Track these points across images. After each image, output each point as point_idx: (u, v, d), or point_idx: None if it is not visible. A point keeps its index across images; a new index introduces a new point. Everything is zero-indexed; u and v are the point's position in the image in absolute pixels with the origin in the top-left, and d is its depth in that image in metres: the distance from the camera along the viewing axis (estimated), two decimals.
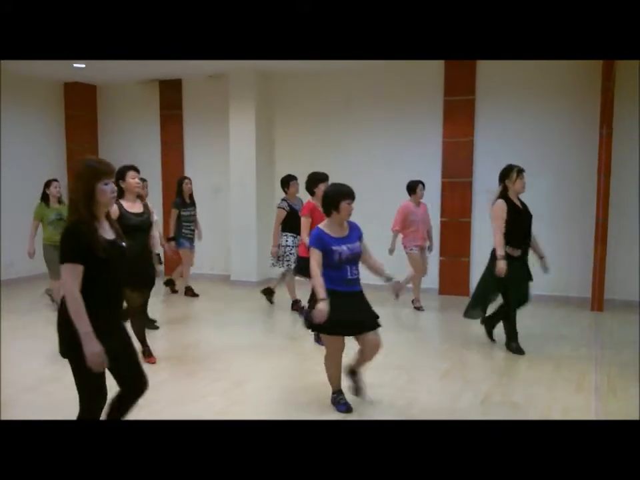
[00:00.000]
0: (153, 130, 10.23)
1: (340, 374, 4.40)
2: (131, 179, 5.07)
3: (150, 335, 5.82)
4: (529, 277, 5.78)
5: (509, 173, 5.61)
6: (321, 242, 4.13)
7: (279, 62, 8.49)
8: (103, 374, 2.89)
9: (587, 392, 4.75)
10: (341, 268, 4.13)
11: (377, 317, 4.23)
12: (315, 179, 6.09)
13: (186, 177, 8.42)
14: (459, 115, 8.38)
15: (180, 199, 8.19)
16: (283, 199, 7.30)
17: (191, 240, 8.24)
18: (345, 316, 4.05)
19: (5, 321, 6.92)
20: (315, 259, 4.10)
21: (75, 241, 2.78)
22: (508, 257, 5.55)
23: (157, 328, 6.59)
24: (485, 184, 8.35)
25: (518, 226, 5.54)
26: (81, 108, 10.31)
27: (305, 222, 6.20)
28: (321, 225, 4.28)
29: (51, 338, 6.34)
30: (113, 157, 10.44)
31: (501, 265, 5.41)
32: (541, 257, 5.83)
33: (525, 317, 7.27)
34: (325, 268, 4.13)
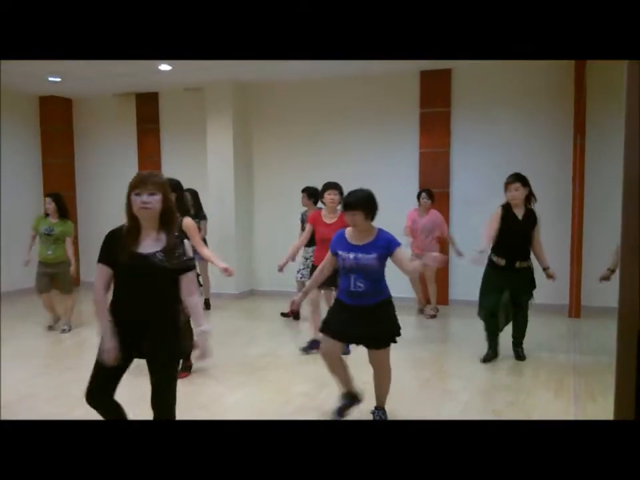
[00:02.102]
0: (129, 143, 10.18)
1: (341, 378, 4.22)
2: None
3: None
4: (519, 290, 5.63)
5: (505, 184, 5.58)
6: (334, 244, 4.06)
7: (256, 74, 8.53)
8: (107, 374, 3.05)
9: (566, 397, 4.80)
10: (346, 276, 3.98)
11: (384, 337, 4.03)
12: (323, 188, 6.07)
13: (188, 189, 8.42)
14: (435, 126, 8.47)
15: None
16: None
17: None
18: (339, 322, 4.00)
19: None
20: (325, 259, 4.15)
21: (105, 244, 3.02)
22: (493, 264, 5.61)
23: None
24: (462, 194, 8.46)
25: (507, 237, 5.50)
26: (56, 122, 10.23)
27: (306, 229, 6.20)
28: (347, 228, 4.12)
29: (35, 353, 6.28)
30: (90, 170, 10.49)
31: (476, 257, 5.30)
32: (544, 268, 5.70)
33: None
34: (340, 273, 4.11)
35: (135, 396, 3.42)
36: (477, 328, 7.23)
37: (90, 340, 6.66)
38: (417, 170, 8.60)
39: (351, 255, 3.90)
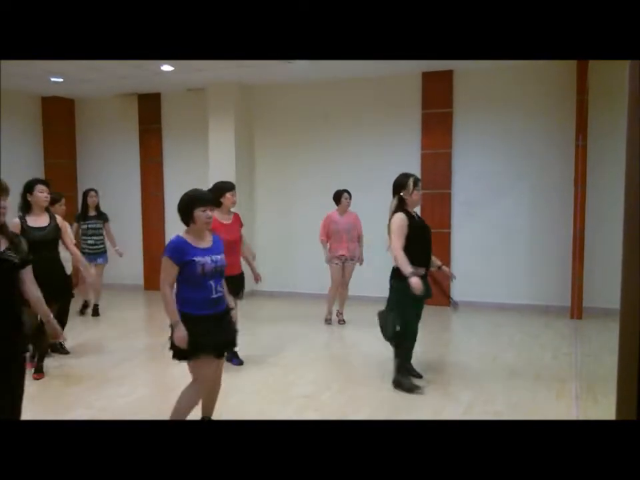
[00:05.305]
0: (131, 144, 10.18)
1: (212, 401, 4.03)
2: (39, 193, 5.30)
3: (132, 349, 5.72)
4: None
5: (405, 183, 4.92)
6: (179, 252, 3.55)
7: (258, 74, 8.52)
8: None
9: (568, 399, 4.79)
10: (203, 285, 3.58)
11: (234, 338, 3.92)
12: (221, 189, 5.67)
13: (92, 189, 7.90)
14: (437, 127, 8.47)
15: (82, 211, 7.80)
16: None
17: (90, 255, 7.50)
18: (208, 337, 3.60)
19: None
20: (168, 273, 3.53)
21: None
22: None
23: (67, 353, 5.81)
24: (463, 195, 8.46)
25: (421, 243, 4.92)
26: (59, 122, 10.22)
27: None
28: (181, 233, 3.67)
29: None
30: (92, 171, 10.49)
31: (415, 281, 4.61)
32: (439, 267, 5.21)
33: (505, 325, 7.35)
34: (184, 287, 3.60)
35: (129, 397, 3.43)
36: (479, 329, 7.24)
37: (90, 340, 6.67)
38: (418, 171, 8.57)
39: (208, 259, 3.60)
